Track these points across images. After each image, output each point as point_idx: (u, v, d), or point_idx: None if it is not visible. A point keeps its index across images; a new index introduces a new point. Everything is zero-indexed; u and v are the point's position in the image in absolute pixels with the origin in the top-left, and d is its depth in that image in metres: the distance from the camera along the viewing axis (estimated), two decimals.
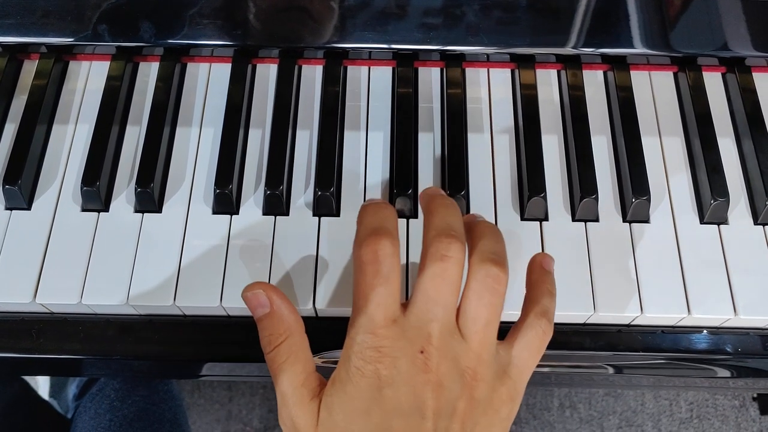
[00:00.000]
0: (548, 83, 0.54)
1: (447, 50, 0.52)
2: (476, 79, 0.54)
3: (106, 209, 0.49)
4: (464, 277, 0.39)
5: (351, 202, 0.49)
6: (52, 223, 0.48)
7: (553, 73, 0.55)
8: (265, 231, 0.48)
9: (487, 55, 0.54)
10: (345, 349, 0.38)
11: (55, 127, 0.52)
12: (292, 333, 0.39)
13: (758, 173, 0.50)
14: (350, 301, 0.45)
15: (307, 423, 0.37)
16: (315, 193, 0.48)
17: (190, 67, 0.55)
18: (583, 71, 0.54)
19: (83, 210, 0.49)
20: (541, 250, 0.48)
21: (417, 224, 0.48)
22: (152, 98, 0.52)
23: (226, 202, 0.48)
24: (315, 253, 0.47)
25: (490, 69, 0.55)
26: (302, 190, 0.49)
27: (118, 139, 0.51)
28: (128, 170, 0.50)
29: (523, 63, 0.54)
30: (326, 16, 0.52)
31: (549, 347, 0.46)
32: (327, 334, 0.45)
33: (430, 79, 0.54)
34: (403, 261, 0.47)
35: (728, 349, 0.48)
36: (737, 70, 0.54)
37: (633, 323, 0.48)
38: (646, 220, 0.49)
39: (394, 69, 0.54)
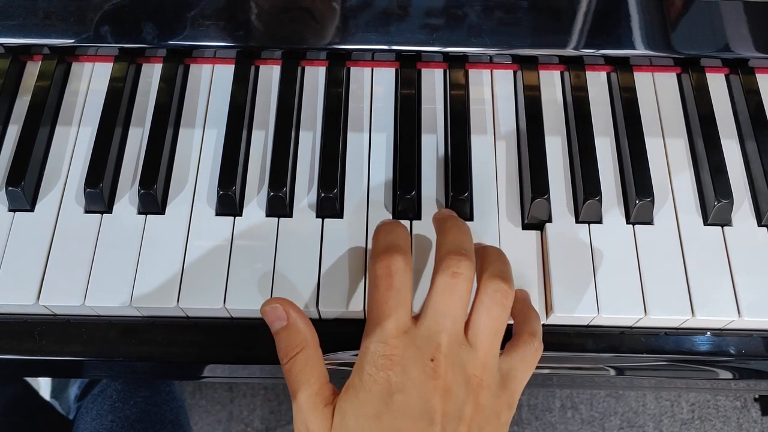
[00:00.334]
0: (551, 84, 0.54)
1: (450, 51, 0.52)
2: (479, 80, 0.54)
3: (110, 211, 0.49)
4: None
5: (354, 203, 0.49)
6: (55, 225, 0.48)
7: (556, 74, 0.55)
8: (269, 233, 0.48)
9: (490, 56, 0.54)
10: (359, 358, 0.40)
11: (58, 129, 0.52)
12: (307, 345, 0.41)
13: (762, 174, 0.50)
14: (353, 303, 0.45)
15: (320, 428, 0.39)
16: (318, 194, 0.48)
17: (193, 68, 0.54)
18: (586, 72, 0.54)
19: (86, 212, 0.49)
20: (544, 252, 0.47)
21: (421, 225, 0.48)
22: (155, 100, 0.52)
23: (229, 203, 0.48)
24: (318, 255, 0.47)
25: (493, 70, 0.55)
26: (305, 192, 0.49)
27: (121, 141, 0.51)
28: (131, 172, 0.50)
29: (526, 64, 0.54)
30: (329, 18, 0.52)
31: (552, 349, 0.47)
32: (330, 336, 0.45)
33: (433, 81, 0.54)
34: None
35: (731, 351, 0.48)
36: (740, 71, 0.54)
37: (636, 325, 0.48)
38: (650, 222, 0.49)
39: (397, 70, 0.54)
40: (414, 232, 0.48)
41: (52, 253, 0.47)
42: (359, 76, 0.54)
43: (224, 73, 0.54)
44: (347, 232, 0.48)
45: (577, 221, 0.49)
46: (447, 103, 0.53)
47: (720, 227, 0.49)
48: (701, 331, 0.48)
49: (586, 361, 0.50)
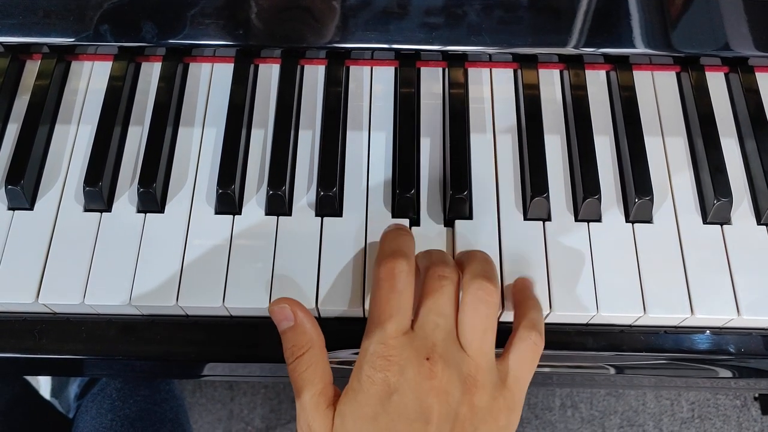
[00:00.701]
0: (551, 83, 0.54)
1: (449, 50, 0.52)
2: (479, 78, 0.54)
3: (109, 209, 0.49)
4: None
5: (353, 202, 0.49)
6: (54, 224, 0.48)
7: (556, 73, 0.55)
8: (268, 231, 0.48)
9: (490, 55, 0.54)
10: (358, 359, 0.40)
11: (57, 128, 0.52)
12: (313, 345, 0.41)
13: (761, 173, 0.50)
14: (353, 302, 0.45)
15: (323, 428, 0.39)
16: (317, 193, 0.48)
17: (193, 67, 0.54)
18: (586, 71, 0.54)
19: (86, 210, 0.49)
20: (543, 250, 0.47)
21: (419, 231, 0.48)
22: (155, 98, 0.52)
23: (228, 202, 0.48)
24: (317, 254, 0.47)
25: (493, 69, 0.55)
26: (305, 191, 0.49)
27: (120, 139, 0.51)
28: (131, 170, 0.50)
29: (526, 63, 0.54)
30: (328, 16, 0.52)
31: (551, 347, 0.47)
32: (330, 334, 0.45)
33: (432, 79, 0.54)
34: None
35: (731, 350, 0.48)
36: (740, 69, 0.54)
37: (636, 324, 0.48)
38: (649, 220, 0.49)
39: (396, 69, 0.54)
40: (413, 231, 0.48)
41: (52, 251, 0.47)
42: (359, 74, 0.54)
43: (223, 72, 0.54)
44: (346, 231, 0.48)
45: (577, 220, 0.49)
46: (446, 101, 0.53)
47: (719, 226, 0.49)
48: (701, 329, 0.48)
49: (585, 359, 0.50)
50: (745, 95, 0.53)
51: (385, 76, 0.54)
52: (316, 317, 0.46)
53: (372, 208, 0.49)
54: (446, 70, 0.54)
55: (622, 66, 0.54)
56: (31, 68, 0.54)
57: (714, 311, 0.46)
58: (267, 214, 0.48)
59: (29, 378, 0.87)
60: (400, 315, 0.40)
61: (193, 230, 0.48)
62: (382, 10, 0.52)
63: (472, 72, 0.55)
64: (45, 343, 0.48)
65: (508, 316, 0.46)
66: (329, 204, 0.48)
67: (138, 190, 0.48)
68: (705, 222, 0.49)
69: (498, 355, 0.42)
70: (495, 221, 0.49)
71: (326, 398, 0.40)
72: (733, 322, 0.47)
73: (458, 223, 0.48)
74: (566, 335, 0.48)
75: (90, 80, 0.54)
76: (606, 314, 0.46)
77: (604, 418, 1.29)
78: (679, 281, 0.47)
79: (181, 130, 0.52)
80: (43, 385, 0.99)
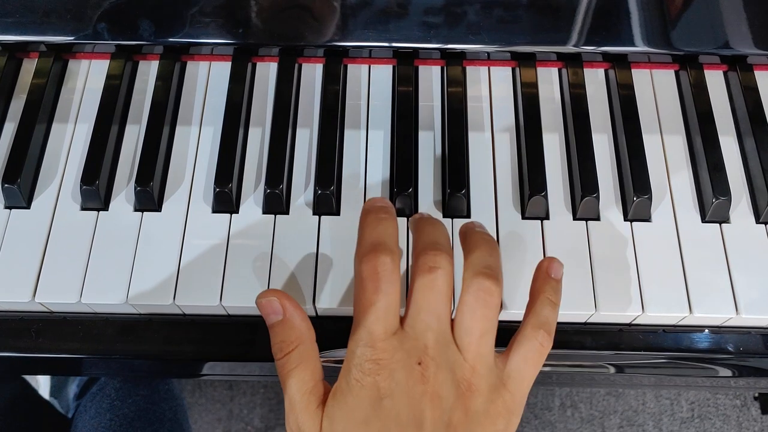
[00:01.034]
0: (549, 81, 0.54)
1: (447, 48, 0.52)
2: (477, 77, 0.54)
3: (106, 208, 0.49)
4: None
5: (351, 200, 0.49)
6: (51, 222, 0.48)
7: (554, 71, 0.55)
8: (265, 230, 0.48)
9: (488, 53, 0.54)
10: (345, 362, 0.38)
11: (54, 126, 0.52)
12: (303, 341, 0.40)
13: (760, 171, 0.49)
14: (350, 300, 0.45)
15: (312, 429, 0.38)
16: (315, 191, 0.47)
17: (190, 65, 0.54)
18: (584, 69, 0.54)
19: (83, 209, 0.49)
20: (542, 249, 0.47)
21: None
22: (152, 97, 0.52)
23: (225, 200, 0.48)
24: (315, 252, 0.47)
25: (491, 67, 0.55)
26: (302, 189, 0.49)
27: (117, 138, 0.51)
28: (128, 169, 0.50)
29: (524, 61, 0.54)
30: (326, 15, 0.52)
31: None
32: (327, 333, 0.45)
33: (430, 78, 0.54)
34: (405, 259, 0.47)
35: (730, 349, 0.48)
36: (739, 68, 0.53)
37: (634, 322, 0.48)
38: (648, 219, 0.49)
39: (394, 67, 0.54)
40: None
41: (49, 250, 0.47)
42: (356, 73, 0.54)
43: (221, 71, 0.54)
44: (344, 229, 0.48)
45: (575, 218, 0.49)
46: (444, 100, 0.53)
47: (718, 224, 0.49)
48: (699, 328, 0.48)
49: (585, 358, 0.50)
50: (744, 93, 0.52)
51: (382, 75, 0.54)
52: (313, 316, 0.46)
53: None
54: (444, 68, 0.54)
55: (620, 64, 0.54)
56: (28, 67, 0.54)
57: (713, 310, 0.46)
58: (264, 212, 0.48)
59: (28, 378, 0.87)
60: (387, 316, 0.38)
61: (190, 229, 0.48)
62: (380, 9, 0.52)
63: (471, 70, 0.54)
64: (42, 342, 0.48)
65: (506, 315, 0.46)
66: (327, 202, 0.48)
67: (135, 188, 0.47)
68: (704, 221, 0.49)
69: (500, 352, 0.40)
70: (493, 219, 0.48)
71: (316, 397, 0.38)
72: (732, 320, 0.47)
73: (456, 221, 0.48)
74: (565, 334, 0.48)
75: (87, 79, 0.54)
76: (605, 313, 0.46)
77: (604, 417, 1.29)
78: (678, 280, 0.46)
79: (179, 129, 0.52)
80: (42, 384, 0.99)
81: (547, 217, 0.49)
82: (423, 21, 0.52)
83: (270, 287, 0.46)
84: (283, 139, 0.50)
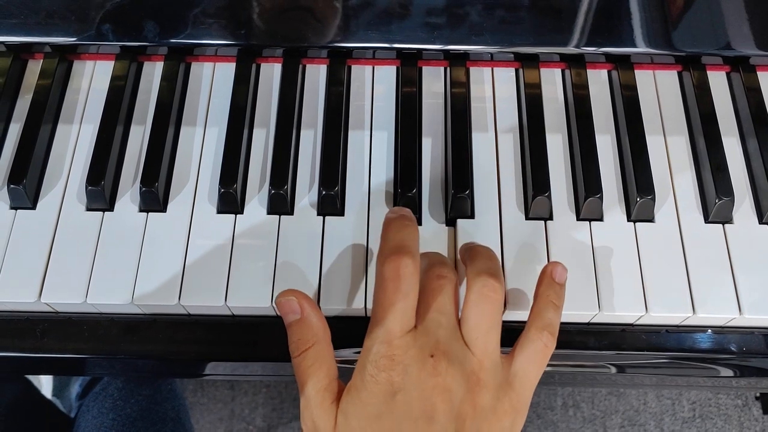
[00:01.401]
0: (552, 82, 0.54)
1: (451, 49, 0.52)
2: (480, 78, 0.54)
3: (111, 209, 0.49)
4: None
5: (355, 201, 0.49)
6: (56, 223, 0.48)
7: (557, 72, 0.55)
8: (270, 230, 0.48)
9: (491, 54, 0.54)
10: (361, 358, 0.40)
11: (59, 127, 0.52)
12: (319, 340, 0.41)
13: (763, 172, 0.50)
14: (354, 300, 0.45)
15: (327, 425, 0.39)
16: (319, 192, 0.48)
17: (195, 66, 0.55)
18: (587, 70, 0.54)
19: (88, 209, 0.49)
20: (545, 250, 0.47)
21: (422, 223, 0.48)
22: (157, 98, 0.52)
23: (230, 201, 0.48)
24: (320, 253, 0.47)
25: (494, 68, 0.55)
26: (307, 190, 0.49)
27: (122, 139, 0.51)
28: (133, 170, 0.50)
29: (527, 62, 0.54)
30: (330, 16, 0.52)
31: None
32: (331, 332, 0.45)
33: (434, 79, 0.54)
34: None
35: (732, 349, 0.48)
36: (742, 69, 0.54)
37: (637, 323, 0.48)
38: (651, 220, 0.49)
39: (398, 68, 0.54)
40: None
41: (54, 250, 0.47)
42: (360, 74, 0.54)
43: (225, 72, 0.54)
44: (348, 230, 0.48)
45: (578, 219, 0.49)
46: (448, 101, 0.53)
47: (721, 225, 0.49)
48: (702, 328, 0.48)
49: (587, 358, 0.50)
50: (747, 94, 0.53)
51: (386, 76, 0.54)
52: None
53: (374, 208, 0.49)
54: (448, 69, 0.54)
55: (623, 65, 0.54)
56: (33, 68, 0.54)
57: (716, 310, 0.46)
58: (269, 213, 0.48)
59: (31, 377, 0.87)
60: (404, 317, 0.39)
61: (195, 229, 0.48)
62: (383, 10, 0.52)
63: (474, 71, 0.55)
64: (47, 343, 0.48)
65: (510, 316, 0.46)
66: (331, 203, 0.48)
67: (140, 189, 0.48)
68: (707, 221, 0.49)
69: (506, 354, 0.41)
70: (497, 220, 0.49)
71: (331, 394, 0.40)
72: (735, 321, 0.47)
73: (460, 222, 0.48)
74: (568, 334, 0.48)
75: (92, 80, 0.54)
76: (608, 313, 0.46)
77: (606, 417, 1.29)
78: (681, 280, 0.47)
79: (183, 130, 0.52)
80: (45, 384, 0.99)
81: (550, 218, 0.49)
82: (426, 22, 0.52)
83: (274, 288, 0.46)
84: (288, 140, 0.50)
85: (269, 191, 0.48)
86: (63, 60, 0.54)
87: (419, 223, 0.48)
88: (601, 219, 0.49)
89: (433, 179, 0.50)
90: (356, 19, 0.52)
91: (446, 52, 0.53)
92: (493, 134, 0.52)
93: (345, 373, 0.42)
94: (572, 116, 0.52)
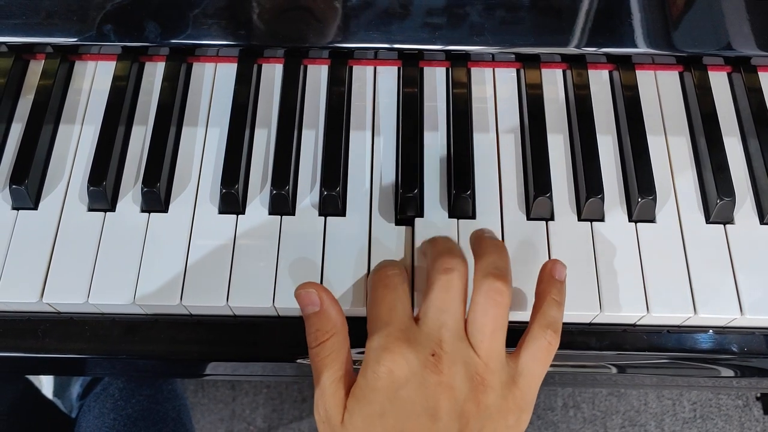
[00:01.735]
0: (553, 83, 0.54)
1: (452, 50, 0.52)
2: (481, 78, 0.54)
3: (113, 209, 0.49)
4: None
5: (357, 201, 0.49)
6: (58, 223, 0.48)
7: (559, 72, 0.55)
8: (271, 231, 0.48)
9: (492, 54, 0.54)
10: (364, 359, 0.40)
11: (61, 127, 0.52)
12: (337, 332, 0.41)
13: (764, 172, 0.50)
14: (355, 301, 0.45)
15: (337, 417, 0.39)
16: (321, 192, 0.48)
17: (196, 67, 0.55)
18: (589, 71, 0.54)
19: (90, 210, 0.49)
20: (547, 250, 0.48)
21: (423, 224, 0.48)
22: (158, 98, 0.52)
23: (232, 201, 0.48)
24: (321, 253, 0.47)
25: (496, 68, 0.55)
26: (308, 190, 0.49)
27: (124, 139, 0.51)
28: (134, 170, 0.50)
29: (529, 62, 0.54)
30: (331, 16, 0.52)
31: None
32: None
33: (435, 79, 0.54)
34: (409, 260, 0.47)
35: (733, 349, 0.48)
36: (743, 69, 0.54)
37: (639, 323, 0.48)
38: (652, 220, 0.49)
39: (399, 69, 0.55)
40: (417, 230, 0.48)
41: (56, 251, 0.47)
42: (362, 74, 0.54)
43: (227, 72, 0.54)
44: (350, 230, 0.48)
45: (580, 219, 0.49)
46: (449, 101, 0.53)
47: (722, 225, 0.49)
48: (703, 329, 0.48)
49: (588, 359, 0.50)
50: (748, 95, 0.53)
51: (388, 76, 0.54)
52: None
53: (375, 208, 0.49)
54: (449, 69, 0.54)
55: (624, 65, 0.54)
56: (35, 68, 0.54)
57: (717, 310, 0.46)
58: (270, 213, 0.48)
59: (32, 378, 0.87)
60: (398, 311, 0.40)
61: (196, 230, 0.48)
62: (384, 10, 0.52)
63: (475, 72, 0.55)
64: (48, 343, 0.48)
65: (511, 316, 0.46)
66: (332, 203, 0.48)
67: (142, 189, 0.48)
68: (708, 221, 0.49)
69: (510, 352, 0.41)
70: (498, 221, 0.49)
71: (345, 386, 0.40)
72: (736, 321, 0.47)
73: (462, 222, 0.48)
74: (569, 334, 0.48)
75: (94, 80, 0.54)
76: (609, 313, 0.46)
77: (606, 418, 1.29)
78: (682, 280, 0.47)
79: (185, 130, 0.52)
80: (46, 384, 1.00)
81: (552, 218, 0.49)
82: (427, 23, 0.52)
83: (276, 288, 0.46)
84: (289, 141, 0.50)
85: (271, 192, 0.48)
86: (64, 60, 0.54)
87: None
88: (602, 219, 0.49)
89: (435, 179, 0.50)
90: (357, 20, 0.52)
91: (447, 52, 0.53)
92: (494, 135, 0.52)
93: None
94: (573, 116, 0.52)
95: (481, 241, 0.44)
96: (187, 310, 0.47)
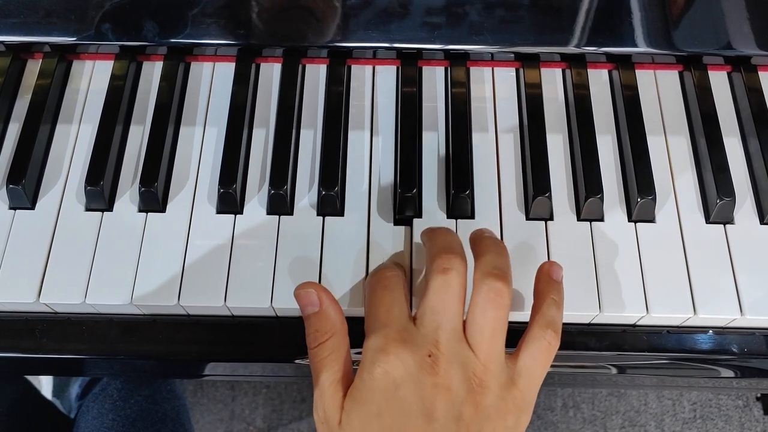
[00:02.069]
0: (553, 82, 0.54)
1: (451, 49, 0.52)
2: (480, 78, 0.54)
3: (110, 209, 0.49)
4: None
5: (355, 201, 0.49)
6: (55, 223, 0.48)
7: (558, 72, 0.55)
8: (269, 231, 0.48)
9: (491, 54, 0.54)
10: (361, 361, 0.40)
11: (58, 127, 0.52)
12: (336, 332, 0.41)
13: (764, 172, 0.49)
14: (353, 301, 0.45)
15: (335, 418, 0.39)
16: (319, 192, 0.48)
17: (194, 66, 0.54)
18: (588, 70, 0.54)
19: (87, 210, 0.49)
20: (546, 250, 0.47)
21: (422, 224, 0.48)
22: (156, 97, 0.52)
23: (230, 201, 0.48)
24: (319, 253, 0.47)
25: (495, 68, 0.55)
26: (306, 190, 0.49)
27: (121, 139, 0.51)
28: (132, 170, 0.50)
29: (528, 62, 0.54)
30: (330, 15, 0.52)
31: None
32: None
33: (434, 79, 0.54)
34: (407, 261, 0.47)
35: (733, 349, 0.48)
36: (743, 69, 0.53)
37: (638, 323, 0.48)
38: (652, 220, 0.49)
39: (398, 68, 0.54)
40: (416, 230, 0.48)
41: (53, 251, 0.47)
42: (360, 74, 0.54)
43: (225, 71, 0.54)
44: (348, 230, 0.48)
45: (579, 219, 0.49)
46: (448, 101, 0.53)
47: (722, 225, 0.49)
48: (703, 329, 0.48)
49: (588, 359, 0.50)
50: (748, 94, 0.52)
51: (386, 76, 0.54)
52: None
53: (374, 208, 0.49)
54: (448, 69, 0.54)
55: (624, 65, 0.54)
56: (33, 68, 0.54)
57: (717, 311, 0.46)
58: (268, 213, 0.48)
59: (31, 378, 0.87)
60: (395, 311, 0.40)
61: (194, 230, 0.48)
62: (384, 9, 0.52)
63: (474, 71, 0.54)
64: (46, 343, 0.48)
65: (510, 316, 0.45)
66: (331, 203, 0.48)
67: (139, 189, 0.47)
68: (708, 221, 0.49)
69: (510, 353, 0.41)
70: (497, 220, 0.48)
71: (344, 387, 0.40)
72: (736, 321, 0.47)
73: (460, 222, 0.48)
74: (569, 335, 0.48)
75: (91, 79, 0.54)
76: (609, 314, 0.46)
77: (606, 418, 1.29)
78: (682, 281, 0.46)
79: (183, 130, 0.52)
80: (45, 385, 0.99)
81: (551, 218, 0.49)
82: (426, 22, 0.52)
83: (274, 288, 0.46)
84: (287, 140, 0.50)
85: (269, 191, 0.47)
86: (62, 60, 0.54)
87: None
88: (601, 219, 0.49)
89: (434, 179, 0.50)
90: (356, 19, 0.52)
91: (446, 51, 0.53)
92: (493, 134, 0.52)
93: None
94: (573, 116, 0.52)
95: (481, 240, 0.44)
96: (185, 310, 0.46)
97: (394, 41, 0.52)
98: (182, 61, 0.54)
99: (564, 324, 0.47)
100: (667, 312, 0.46)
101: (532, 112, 0.52)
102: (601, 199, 0.48)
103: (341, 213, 0.48)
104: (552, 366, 0.50)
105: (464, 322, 0.40)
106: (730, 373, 0.51)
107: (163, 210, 0.48)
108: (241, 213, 0.48)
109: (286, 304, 0.45)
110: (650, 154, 0.50)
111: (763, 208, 0.49)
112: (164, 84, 0.52)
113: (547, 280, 0.43)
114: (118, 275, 0.46)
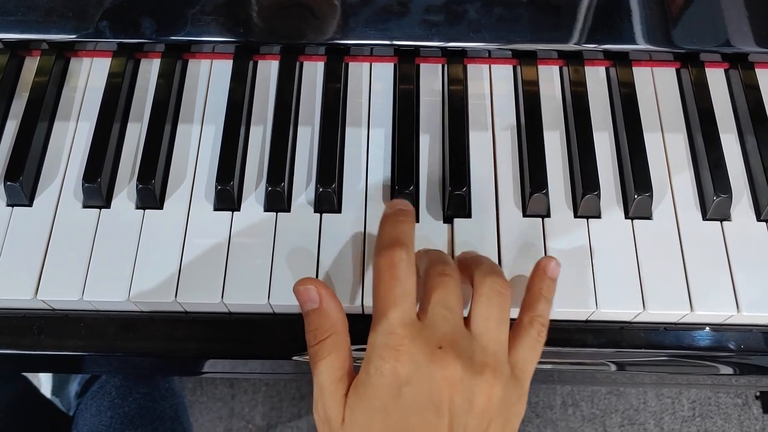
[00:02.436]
0: (550, 79, 0.54)
1: (448, 46, 0.52)
2: (478, 75, 0.54)
3: (108, 206, 0.49)
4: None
5: (352, 198, 0.49)
6: (53, 220, 0.48)
7: (555, 69, 0.55)
8: (267, 228, 0.48)
9: (489, 51, 0.54)
10: (366, 353, 0.39)
11: (56, 124, 0.52)
12: (336, 330, 0.40)
13: (761, 169, 0.49)
14: (351, 298, 0.45)
15: (337, 417, 0.39)
16: (316, 189, 0.48)
17: (192, 63, 0.54)
18: (585, 67, 0.54)
19: (85, 206, 0.49)
20: (542, 247, 0.47)
21: (420, 221, 0.48)
22: (153, 95, 0.52)
23: (227, 198, 0.48)
24: (317, 250, 0.47)
25: (492, 65, 0.55)
26: (303, 187, 0.49)
27: (119, 136, 0.51)
28: (130, 167, 0.50)
29: (525, 59, 0.54)
30: (327, 13, 0.52)
31: (552, 344, 0.47)
32: None
33: (431, 76, 0.54)
34: None
35: (731, 346, 0.48)
36: (740, 66, 0.53)
37: (635, 320, 0.48)
38: (649, 217, 0.49)
39: (395, 65, 0.54)
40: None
41: (51, 247, 0.47)
42: (358, 71, 0.54)
43: (222, 68, 0.54)
44: (345, 227, 0.48)
45: (576, 216, 0.49)
46: (445, 98, 0.53)
47: (719, 222, 0.49)
48: (700, 326, 0.48)
49: (586, 356, 0.50)
50: (745, 91, 0.52)
51: (384, 73, 0.54)
52: None
53: (371, 205, 0.49)
54: (446, 66, 0.54)
55: (621, 62, 0.54)
56: (30, 65, 0.54)
57: (714, 307, 0.46)
58: (266, 210, 0.48)
59: (30, 376, 0.87)
60: (405, 303, 0.39)
61: (192, 227, 0.48)
62: (381, 7, 0.52)
63: (472, 68, 0.54)
64: (44, 340, 0.48)
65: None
66: (328, 200, 0.48)
67: (137, 186, 0.48)
68: (705, 218, 0.49)
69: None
70: (494, 217, 0.48)
71: (345, 385, 0.39)
72: (733, 318, 0.47)
73: (457, 219, 0.48)
74: (567, 332, 0.48)
75: (89, 77, 0.54)
76: (605, 310, 0.46)
77: (605, 416, 1.29)
78: (679, 277, 0.46)
79: (180, 127, 0.52)
80: (44, 383, 1.00)
81: (548, 215, 0.49)
82: (424, 19, 0.52)
83: (271, 285, 0.46)
84: (285, 137, 0.50)
85: (266, 188, 0.48)
86: (60, 57, 0.54)
87: (417, 220, 0.48)
88: (598, 216, 0.49)
89: (431, 177, 0.50)
90: (354, 16, 0.52)
91: (444, 49, 0.53)
92: (490, 131, 0.52)
93: None
94: (570, 113, 0.52)
95: (471, 255, 0.44)
96: (183, 307, 0.46)
97: (392, 38, 0.52)
98: (180, 58, 0.54)
99: (561, 321, 0.47)
100: (664, 309, 0.46)
101: (529, 109, 0.52)
102: (598, 196, 0.48)
103: (338, 210, 0.48)
104: (551, 363, 0.50)
105: (466, 318, 0.40)
106: (729, 370, 0.51)
107: (160, 207, 0.48)
108: (239, 210, 0.48)
109: (283, 301, 0.45)
110: (647, 151, 0.50)
111: (759, 205, 0.49)
112: (162, 81, 0.52)
113: (542, 276, 0.43)
114: (115, 272, 0.46)
